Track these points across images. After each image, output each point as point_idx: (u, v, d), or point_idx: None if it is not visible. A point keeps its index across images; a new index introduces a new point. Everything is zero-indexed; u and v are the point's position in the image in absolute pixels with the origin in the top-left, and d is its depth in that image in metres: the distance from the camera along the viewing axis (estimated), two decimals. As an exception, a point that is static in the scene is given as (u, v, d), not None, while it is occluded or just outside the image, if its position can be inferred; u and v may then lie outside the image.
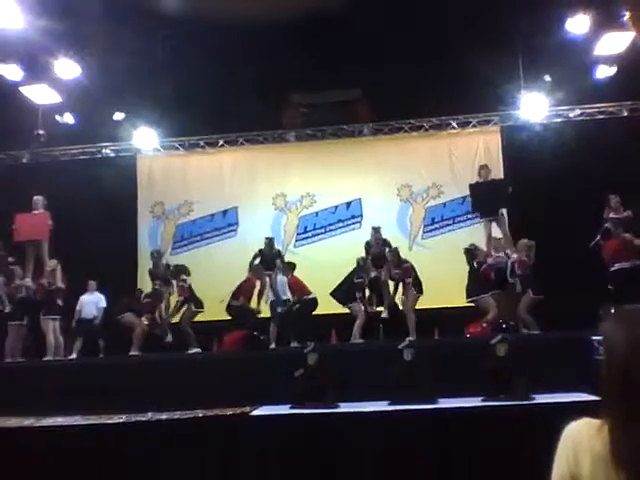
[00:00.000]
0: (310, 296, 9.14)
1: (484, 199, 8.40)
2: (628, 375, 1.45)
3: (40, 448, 4.89)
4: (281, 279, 9.21)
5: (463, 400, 4.95)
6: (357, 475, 4.69)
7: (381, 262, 8.67)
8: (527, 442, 4.38)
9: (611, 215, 8.31)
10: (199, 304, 9.22)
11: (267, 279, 9.42)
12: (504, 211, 9.10)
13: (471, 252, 8.23)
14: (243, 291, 9.08)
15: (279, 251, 10.10)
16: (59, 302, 8.98)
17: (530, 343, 6.39)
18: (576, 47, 9.54)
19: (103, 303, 9.55)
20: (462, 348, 6.17)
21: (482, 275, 8.08)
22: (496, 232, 8.89)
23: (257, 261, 9.53)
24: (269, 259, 9.54)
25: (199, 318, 10.84)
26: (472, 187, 8.75)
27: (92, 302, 9.48)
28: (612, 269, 7.88)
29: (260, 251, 9.64)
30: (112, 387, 5.83)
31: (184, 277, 9.23)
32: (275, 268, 9.37)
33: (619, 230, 8.06)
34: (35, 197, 8.98)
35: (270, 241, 10.03)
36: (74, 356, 8.57)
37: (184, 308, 9.12)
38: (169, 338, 8.94)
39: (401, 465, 4.62)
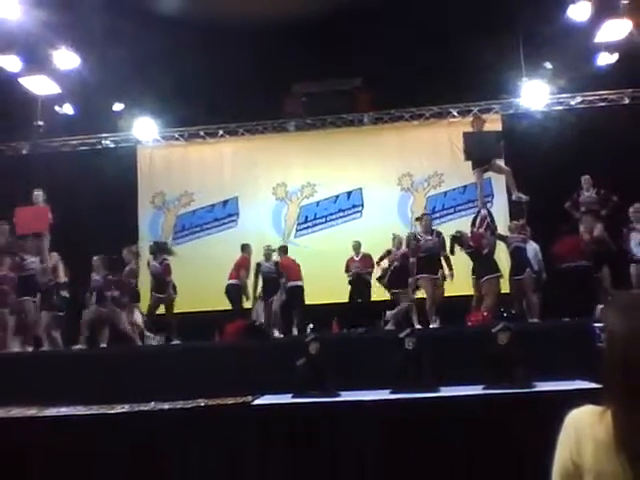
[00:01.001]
0: (297, 283, 9.21)
1: (476, 149, 8.41)
2: (629, 362, 1.45)
3: (43, 438, 4.91)
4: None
5: (465, 388, 4.95)
6: (359, 464, 4.71)
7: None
8: (529, 430, 4.39)
9: (581, 197, 8.41)
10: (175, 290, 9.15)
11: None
12: (502, 163, 9.12)
13: (458, 239, 8.22)
14: (238, 267, 9.19)
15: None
16: (63, 294, 8.95)
17: (532, 331, 6.40)
18: (577, 34, 9.48)
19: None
20: (463, 336, 6.18)
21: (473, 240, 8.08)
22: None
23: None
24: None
25: (200, 308, 10.88)
26: (465, 135, 8.75)
27: None
28: (563, 266, 7.95)
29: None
30: (115, 377, 5.85)
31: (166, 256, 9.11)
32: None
33: (581, 213, 8.20)
34: (35, 192, 8.97)
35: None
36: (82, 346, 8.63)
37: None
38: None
39: (402, 453, 4.64)
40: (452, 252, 8.25)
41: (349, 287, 9.64)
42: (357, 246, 9.82)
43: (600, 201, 8.35)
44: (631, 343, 1.46)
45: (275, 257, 9.33)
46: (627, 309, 1.53)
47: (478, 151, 8.41)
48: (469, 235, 8.18)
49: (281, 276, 9.24)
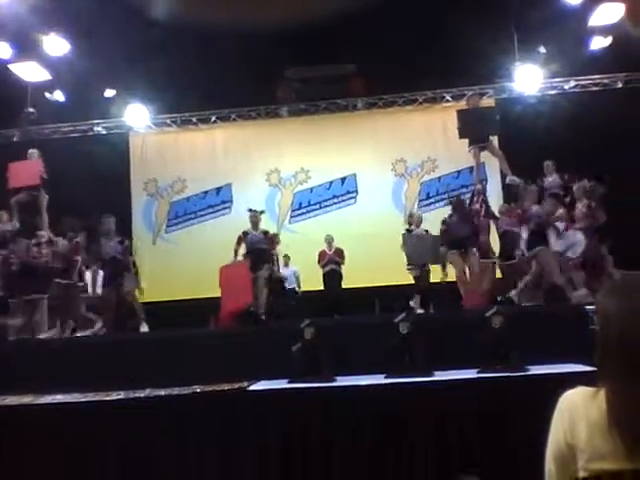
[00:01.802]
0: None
1: (472, 125, 8.36)
2: (625, 343, 1.47)
3: (39, 425, 4.92)
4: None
5: (459, 372, 4.98)
6: (355, 448, 4.74)
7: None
8: (523, 412, 4.43)
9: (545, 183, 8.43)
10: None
11: None
12: (496, 141, 9.09)
13: (461, 202, 8.23)
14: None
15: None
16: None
17: (525, 314, 6.43)
18: (571, 18, 9.47)
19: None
20: (458, 321, 6.21)
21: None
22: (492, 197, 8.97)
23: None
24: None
25: (194, 295, 10.88)
26: (459, 113, 8.71)
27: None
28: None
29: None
30: (110, 364, 5.85)
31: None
32: None
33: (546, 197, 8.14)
34: (30, 150, 8.95)
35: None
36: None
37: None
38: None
39: (398, 437, 4.68)
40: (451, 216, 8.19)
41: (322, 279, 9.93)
42: (330, 239, 9.96)
43: (563, 186, 8.32)
44: (626, 324, 1.48)
45: (262, 225, 8.56)
46: (621, 291, 1.55)
47: (473, 128, 8.37)
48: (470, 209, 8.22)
49: (272, 247, 8.67)
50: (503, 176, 9.75)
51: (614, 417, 1.44)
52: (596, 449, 1.46)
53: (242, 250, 8.28)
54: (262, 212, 8.70)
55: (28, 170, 8.90)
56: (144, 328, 8.16)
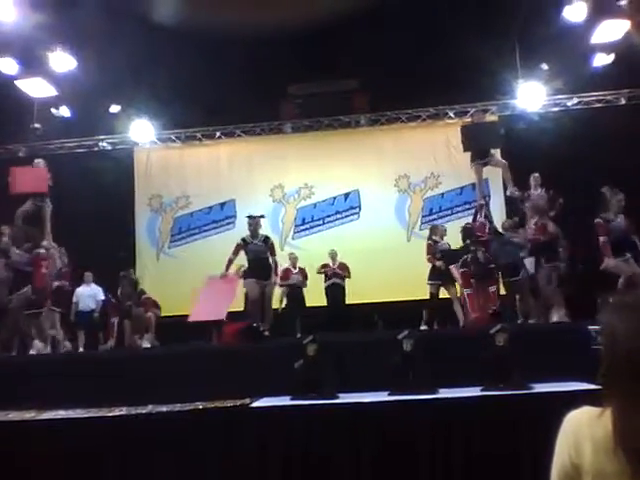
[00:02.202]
0: None
1: (475, 139, 8.37)
2: (631, 361, 1.46)
3: (41, 441, 4.90)
4: None
5: (462, 390, 4.96)
6: (357, 465, 4.70)
7: None
8: (527, 431, 4.40)
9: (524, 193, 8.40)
10: None
11: None
12: (498, 155, 9.08)
13: (468, 230, 8.24)
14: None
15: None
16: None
17: (529, 333, 6.41)
18: (573, 35, 9.50)
19: (101, 295, 9.52)
20: (461, 338, 6.19)
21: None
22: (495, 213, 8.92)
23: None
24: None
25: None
26: (463, 128, 8.75)
27: (90, 295, 9.43)
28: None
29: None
30: (113, 380, 5.84)
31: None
32: None
33: (531, 211, 8.16)
34: (36, 160, 8.99)
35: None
36: (81, 349, 8.58)
37: None
38: None
39: (400, 455, 4.64)
40: (464, 242, 8.26)
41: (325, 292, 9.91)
42: (334, 254, 9.97)
43: (549, 201, 8.31)
44: (633, 343, 1.47)
45: (263, 231, 8.21)
46: (627, 309, 1.54)
47: (477, 141, 8.39)
48: (475, 225, 8.24)
49: (273, 252, 8.04)
50: (506, 188, 9.77)
51: (620, 437, 1.43)
52: (601, 469, 1.45)
53: (238, 260, 7.95)
54: (262, 216, 8.32)
55: (33, 176, 8.84)
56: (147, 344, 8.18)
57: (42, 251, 8.28)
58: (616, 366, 1.48)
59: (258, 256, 7.77)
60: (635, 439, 1.40)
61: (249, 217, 8.16)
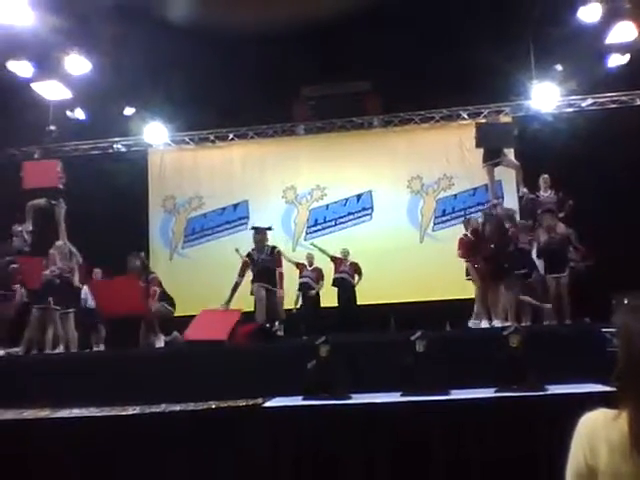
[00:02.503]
0: None
1: (489, 137, 8.34)
2: (638, 364, 1.45)
3: (56, 439, 4.94)
4: None
5: (476, 391, 4.94)
6: (369, 466, 4.70)
7: None
8: (542, 433, 4.37)
9: (533, 195, 8.41)
10: None
11: None
12: (512, 156, 9.07)
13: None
14: None
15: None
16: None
17: (543, 334, 6.37)
18: (588, 36, 9.45)
19: None
20: (474, 339, 6.17)
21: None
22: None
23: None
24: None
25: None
26: (478, 126, 8.74)
27: None
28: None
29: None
30: (127, 379, 5.88)
31: None
32: None
33: (541, 212, 8.14)
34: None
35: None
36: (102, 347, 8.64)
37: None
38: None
39: (413, 456, 4.63)
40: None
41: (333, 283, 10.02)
42: (346, 253, 9.99)
43: (558, 202, 8.25)
44: (638, 345, 1.46)
45: (277, 242, 8.18)
46: (633, 310, 1.53)
47: (490, 140, 8.36)
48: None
49: (279, 264, 8.02)
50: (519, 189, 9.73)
51: (636, 439, 1.42)
52: (617, 471, 1.45)
53: (246, 277, 7.79)
54: (269, 228, 8.20)
55: (45, 170, 8.83)
56: (160, 343, 8.18)
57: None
58: (632, 368, 1.47)
59: (264, 268, 7.71)
60: None
61: (255, 229, 8.05)
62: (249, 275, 7.87)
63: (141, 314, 7.87)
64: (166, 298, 8.47)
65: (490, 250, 7.85)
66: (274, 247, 7.98)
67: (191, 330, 7.45)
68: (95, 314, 9.15)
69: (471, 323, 7.91)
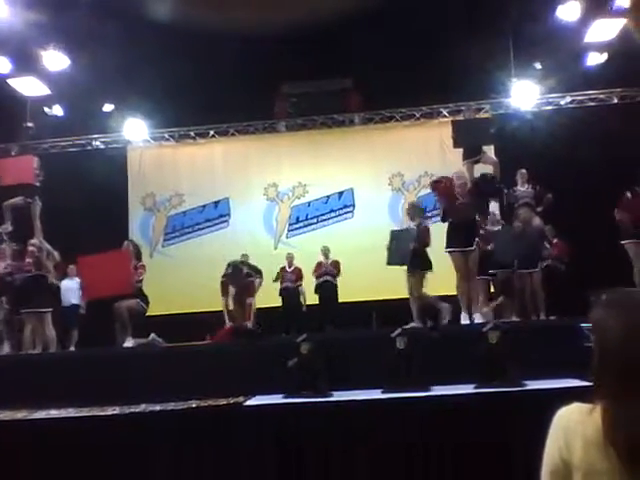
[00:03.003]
0: None
1: (466, 135, 8.31)
2: (625, 360, 1.46)
3: (33, 441, 4.88)
4: None
5: (456, 387, 4.97)
6: (351, 462, 4.71)
7: None
8: (519, 427, 4.41)
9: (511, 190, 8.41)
10: None
11: None
12: (491, 153, 9.08)
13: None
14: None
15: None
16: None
17: (521, 330, 6.42)
18: (567, 34, 9.54)
19: None
20: (455, 336, 6.19)
21: None
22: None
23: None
24: None
25: (192, 309, 10.85)
26: (454, 123, 8.71)
27: (72, 289, 9.28)
28: None
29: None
30: (105, 379, 5.82)
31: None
32: None
33: (517, 206, 8.19)
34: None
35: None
36: (72, 348, 8.49)
37: None
38: None
39: (394, 452, 4.65)
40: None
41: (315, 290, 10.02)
42: (326, 251, 10.00)
43: (536, 196, 8.33)
44: (627, 341, 1.47)
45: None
46: (620, 306, 1.54)
47: (467, 137, 8.34)
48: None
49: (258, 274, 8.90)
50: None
51: (610, 433, 1.43)
52: (592, 465, 1.46)
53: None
54: (242, 262, 9.00)
55: (21, 166, 8.76)
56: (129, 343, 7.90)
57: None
58: (606, 363, 1.49)
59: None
60: (625, 436, 1.41)
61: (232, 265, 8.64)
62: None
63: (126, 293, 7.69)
64: (142, 294, 8.30)
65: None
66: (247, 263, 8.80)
67: (88, 288, 7.41)
68: (72, 313, 9.03)
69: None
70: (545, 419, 1.61)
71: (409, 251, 7.14)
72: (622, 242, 7.55)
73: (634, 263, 7.42)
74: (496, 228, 8.39)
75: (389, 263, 7.46)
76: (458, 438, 4.61)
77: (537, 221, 8.05)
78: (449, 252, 7.19)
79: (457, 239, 7.12)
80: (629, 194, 7.68)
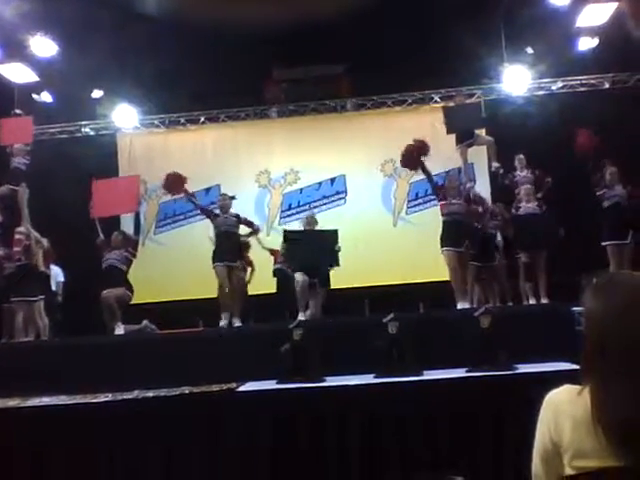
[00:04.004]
0: None
1: (458, 120, 8.38)
2: (605, 342, 1.47)
3: (26, 428, 4.88)
4: None
5: (448, 372, 5.00)
6: (344, 447, 4.73)
7: None
8: (512, 411, 4.45)
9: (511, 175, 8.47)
10: None
11: None
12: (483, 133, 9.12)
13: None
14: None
15: None
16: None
17: (513, 315, 6.46)
18: (558, 19, 9.52)
19: (61, 277, 9.31)
20: (447, 321, 6.23)
21: None
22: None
23: None
24: None
25: (184, 297, 10.83)
26: (445, 109, 8.78)
27: (51, 276, 9.20)
28: None
29: None
30: (98, 367, 5.82)
31: None
32: None
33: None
34: (17, 110, 8.96)
35: None
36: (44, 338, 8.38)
37: None
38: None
39: (387, 436, 4.68)
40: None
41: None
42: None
43: (535, 181, 8.35)
44: (606, 323, 1.48)
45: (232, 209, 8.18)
46: (602, 290, 1.56)
47: (460, 123, 8.40)
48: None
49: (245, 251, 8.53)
50: (491, 175, 9.84)
51: (599, 414, 1.44)
52: (581, 447, 1.47)
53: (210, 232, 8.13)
54: (232, 197, 8.33)
55: (21, 127, 8.81)
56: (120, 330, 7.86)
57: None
58: (595, 346, 1.50)
59: (224, 230, 7.90)
60: (613, 417, 1.42)
61: (221, 195, 8.72)
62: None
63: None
64: (128, 283, 8.27)
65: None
66: (237, 215, 8.14)
67: (97, 207, 7.72)
68: (53, 301, 8.94)
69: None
70: (536, 402, 1.62)
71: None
72: (603, 243, 7.61)
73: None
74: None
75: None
76: (450, 422, 4.64)
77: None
78: (443, 252, 7.43)
79: (450, 239, 7.37)
80: None
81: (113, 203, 7.82)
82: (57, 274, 9.33)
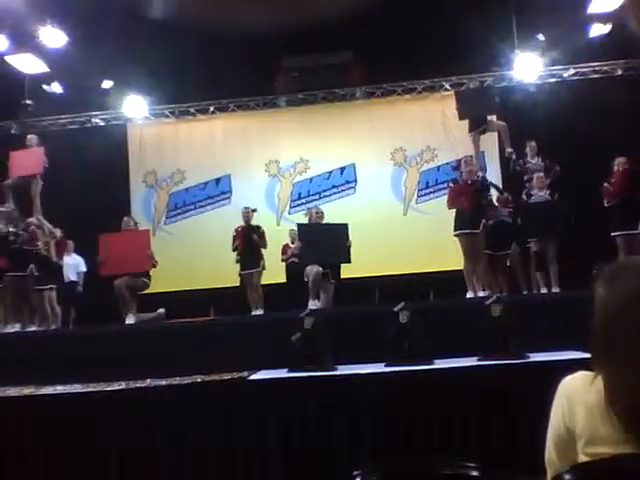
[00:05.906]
0: None
1: (471, 105, 8.31)
2: (611, 330, 1.47)
3: (40, 416, 4.93)
4: None
5: (459, 360, 4.99)
6: (355, 436, 4.75)
7: None
8: (524, 399, 4.44)
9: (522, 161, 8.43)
10: None
11: None
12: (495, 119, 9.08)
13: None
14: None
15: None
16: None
17: (525, 303, 6.44)
18: (570, 5, 9.41)
19: (83, 267, 9.36)
20: (458, 310, 6.21)
21: None
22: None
23: None
24: None
25: (195, 286, 10.87)
26: (457, 94, 8.72)
27: (71, 265, 9.27)
28: None
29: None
30: (111, 355, 5.87)
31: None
32: None
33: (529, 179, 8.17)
34: (29, 136, 8.95)
35: None
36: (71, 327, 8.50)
37: None
38: None
39: (398, 425, 4.69)
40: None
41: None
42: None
43: (545, 169, 8.29)
44: (617, 309, 1.48)
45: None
46: (610, 278, 1.56)
47: (473, 108, 8.32)
48: None
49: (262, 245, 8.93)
50: (502, 162, 9.77)
51: (612, 401, 1.44)
52: (594, 433, 1.47)
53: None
54: (254, 210, 9.08)
55: (31, 158, 8.87)
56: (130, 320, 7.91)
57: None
58: (606, 334, 1.50)
59: (248, 237, 8.76)
60: (625, 402, 1.42)
61: (245, 208, 9.14)
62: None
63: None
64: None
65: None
66: (258, 226, 9.01)
67: (107, 264, 7.56)
68: (71, 290, 9.02)
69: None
70: (549, 391, 1.62)
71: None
72: (612, 234, 7.56)
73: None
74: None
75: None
76: (462, 410, 4.64)
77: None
78: (456, 235, 7.39)
79: (463, 222, 7.32)
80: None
81: (124, 260, 7.59)
82: (79, 263, 9.40)
